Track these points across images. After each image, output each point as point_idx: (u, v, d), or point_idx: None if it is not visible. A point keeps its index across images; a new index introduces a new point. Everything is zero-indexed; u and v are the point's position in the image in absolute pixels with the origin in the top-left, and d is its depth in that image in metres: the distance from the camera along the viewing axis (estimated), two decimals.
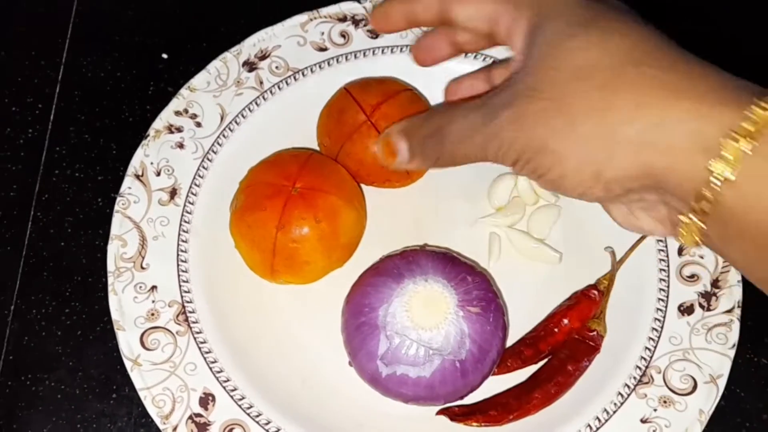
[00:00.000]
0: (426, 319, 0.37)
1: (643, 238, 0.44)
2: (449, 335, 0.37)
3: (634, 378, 0.40)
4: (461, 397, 0.39)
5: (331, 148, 0.44)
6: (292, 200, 0.39)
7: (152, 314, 0.40)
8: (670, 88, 0.25)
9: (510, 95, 0.28)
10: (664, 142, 0.25)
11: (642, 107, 0.25)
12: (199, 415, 0.38)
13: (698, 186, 0.24)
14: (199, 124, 0.45)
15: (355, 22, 0.49)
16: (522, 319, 0.43)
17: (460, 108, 0.30)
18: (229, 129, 0.46)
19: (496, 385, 0.41)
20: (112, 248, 0.41)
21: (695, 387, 0.40)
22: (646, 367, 0.40)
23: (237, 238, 0.40)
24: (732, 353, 0.40)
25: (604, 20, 0.27)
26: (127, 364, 0.38)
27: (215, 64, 0.47)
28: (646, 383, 0.40)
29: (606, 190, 0.27)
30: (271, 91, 0.47)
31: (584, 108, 0.26)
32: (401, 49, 0.49)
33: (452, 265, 0.40)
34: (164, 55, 0.51)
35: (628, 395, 0.40)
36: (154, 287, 0.41)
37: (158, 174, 0.44)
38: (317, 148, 0.46)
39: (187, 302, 0.41)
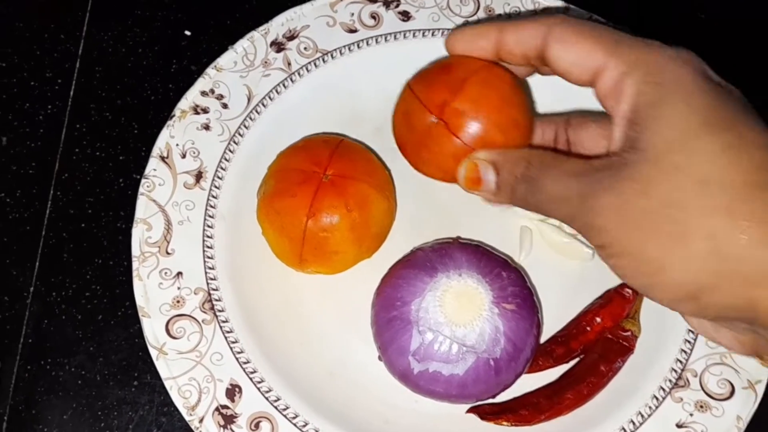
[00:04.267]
0: (460, 315, 0.36)
1: None
2: (484, 332, 0.36)
3: (670, 381, 0.39)
4: (493, 396, 0.38)
5: (409, 155, 0.38)
6: (323, 187, 0.38)
7: (178, 301, 0.39)
8: None
9: (615, 178, 0.26)
10: None
11: (761, 246, 0.24)
12: (225, 407, 0.37)
13: None
14: (225, 105, 0.44)
15: (386, 3, 0.47)
16: (553, 317, 0.42)
17: (559, 165, 0.28)
18: (256, 111, 0.44)
19: (526, 383, 0.40)
20: (137, 232, 0.40)
21: (733, 392, 0.39)
22: (682, 369, 0.39)
23: (265, 224, 0.39)
24: None
25: (736, 123, 0.25)
26: (153, 353, 0.37)
27: (242, 44, 0.45)
28: (682, 386, 0.39)
29: (699, 309, 0.26)
30: (299, 73, 0.46)
31: (700, 227, 0.24)
32: (433, 33, 0.47)
33: (486, 260, 0.39)
34: (187, 32, 0.50)
35: (664, 398, 0.39)
36: (179, 273, 0.40)
37: (184, 156, 0.42)
38: (347, 134, 0.44)
39: (213, 290, 0.40)
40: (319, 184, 0.38)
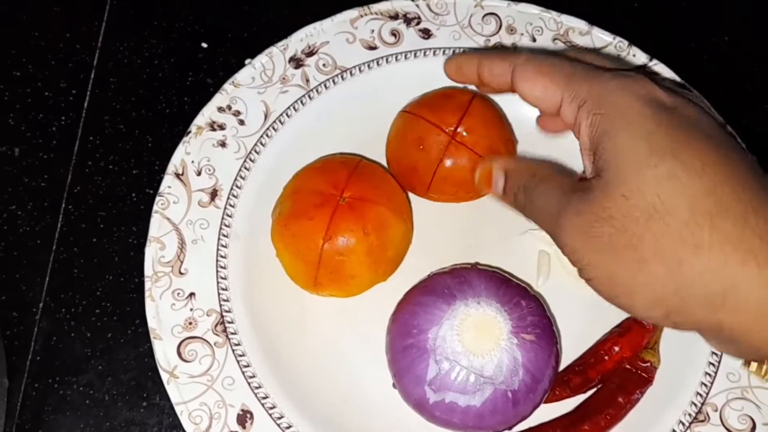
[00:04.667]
0: (478, 345, 0.36)
1: None
2: (502, 363, 0.35)
3: (689, 415, 0.38)
4: (510, 428, 0.37)
5: (422, 178, 0.41)
6: (340, 210, 0.37)
7: (190, 323, 0.38)
8: (743, 249, 0.25)
9: (582, 201, 0.28)
10: (737, 307, 0.25)
11: (715, 271, 0.25)
12: None
13: None
14: (242, 122, 0.43)
15: (407, 21, 0.47)
16: (570, 345, 0.41)
17: (553, 180, 0.31)
18: (273, 128, 0.44)
19: (543, 413, 0.39)
20: (150, 251, 0.39)
21: (754, 428, 0.38)
22: (702, 403, 0.39)
23: (279, 246, 0.39)
24: None
25: (679, 149, 0.27)
26: (164, 377, 0.37)
27: (261, 59, 0.45)
28: (702, 421, 0.38)
29: (675, 326, 0.28)
30: (317, 90, 0.45)
31: (656, 254, 0.26)
32: (453, 51, 0.46)
33: (506, 288, 0.38)
34: (204, 45, 0.49)
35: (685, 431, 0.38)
36: (192, 294, 0.39)
37: (199, 173, 0.42)
38: (365, 153, 0.44)
39: (226, 311, 0.39)
40: (337, 206, 0.37)
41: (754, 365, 0.28)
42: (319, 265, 0.37)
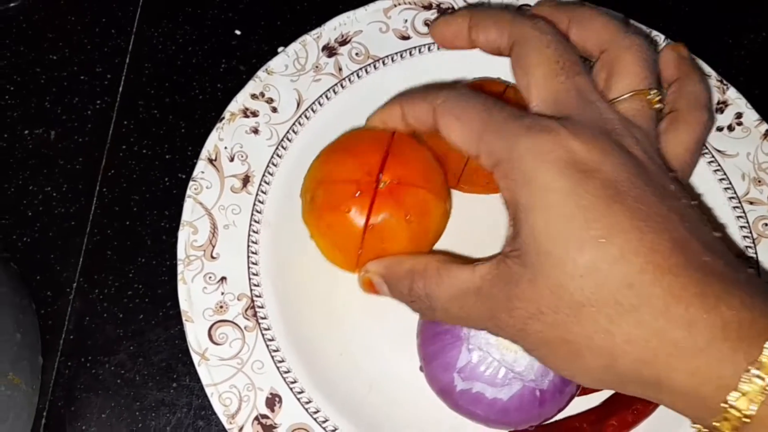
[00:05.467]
0: None
1: None
2: (534, 361, 0.35)
3: None
4: (531, 427, 0.37)
5: (453, 169, 0.40)
6: (379, 198, 0.35)
7: (221, 307, 0.39)
8: (668, 342, 0.25)
9: (507, 296, 0.27)
10: (672, 391, 0.26)
11: (646, 364, 0.25)
12: (265, 416, 0.37)
13: (711, 427, 0.26)
14: (275, 110, 0.43)
15: (441, 11, 0.46)
16: None
17: (445, 280, 0.30)
18: (305, 116, 0.44)
19: (570, 406, 0.39)
20: (183, 235, 0.39)
21: None
22: None
23: (315, 235, 0.38)
24: None
25: (600, 232, 0.26)
26: (195, 358, 0.37)
27: (294, 47, 0.45)
28: None
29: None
30: (349, 79, 0.45)
31: (590, 347, 0.26)
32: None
33: None
34: (237, 32, 0.50)
35: None
36: (223, 278, 0.39)
37: (232, 159, 0.42)
38: None
39: (256, 296, 0.39)
40: (375, 194, 0.35)
41: (696, 427, 0.28)
42: (359, 255, 0.36)
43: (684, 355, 0.25)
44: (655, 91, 0.31)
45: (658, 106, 0.31)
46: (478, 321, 0.29)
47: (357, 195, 0.35)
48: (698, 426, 0.27)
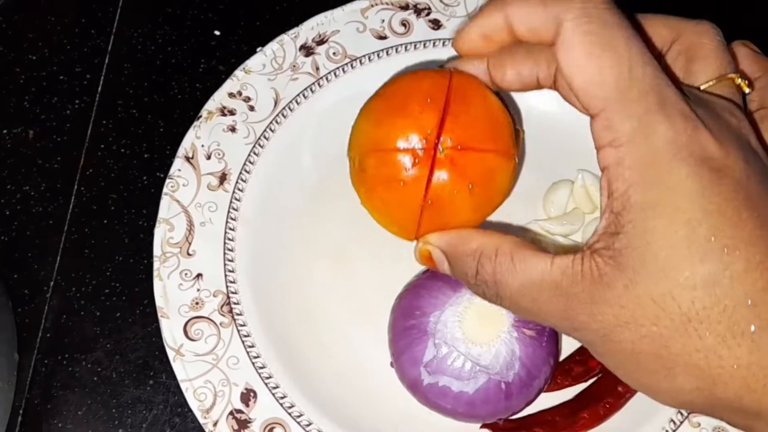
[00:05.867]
0: (478, 334, 0.36)
1: None
2: (499, 354, 0.36)
3: None
4: (499, 420, 0.38)
5: None
6: (438, 167, 0.30)
7: (197, 303, 0.39)
8: None
9: (594, 299, 0.24)
10: None
11: (752, 392, 0.23)
12: (240, 411, 0.37)
13: None
14: (252, 108, 0.44)
15: (417, 11, 0.47)
16: None
17: (521, 267, 0.26)
18: (282, 115, 0.44)
19: (543, 401, 0.39)
20: (159, 232, 0.40)
21: None
22: None
23: (367, 206, 0.33)
24: None
25: (726, 241, 0.23)
26: (170, 354, 0.37)
27: (272, 47, 0.45)
28: None
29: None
30: (327, 78, 0.45)
31: (688, 367, 0.24)
32: None
33: None
34: (216, 32, 0.50)
35: (681, 422, 0.38)
36: (199, 275, 0.40)
37: (209, 157, 0.42)
38: None
39: (232, 293, 0.40)
40: (434, 163, 0.30)
41: None
42: (419, 227, 0.32)
43: None
44: (740, 76, 0.28)
45: (747, 91, 0.28)
46: (550, 318, 0.26)
47: (413, 166, 0.30)
48: None
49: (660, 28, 0.29)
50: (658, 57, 0.28)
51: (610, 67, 0.24)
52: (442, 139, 0.30)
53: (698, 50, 0.28)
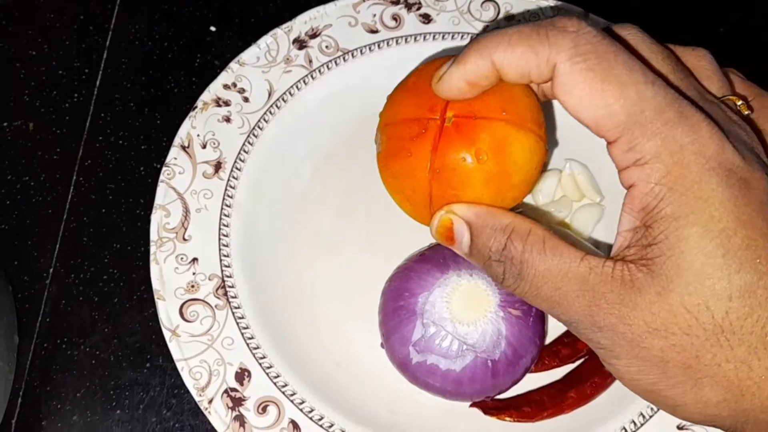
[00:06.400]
0: (465, 314, 0.37)
1: None
2: (486, 333, 0.37)
3: None
4: (488, 398, 0.38)
5: None
6: (445, 137, 0.30)
7: (192, 286, 0.40)
8: None
9: (623, 302, 0.24)
10: None
11: None
12: (234, 389, 0.38)
13: None
14: (246, 99, 0.45)
15: (408, 6, 0.48)
16: None
17: (550, 256, 0.26)
18: (276, 106, 0.45)
19: (531, 382, 0.40)
20: (156, 218, 0.41)
21: None
22: None
23: (387, 187, 0.33)
24: None
25: (759, 251, 0.23)
26: (166, 334, 0.38)
27: (266, 40, 0.46)
28: None
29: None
30: (319, 71, 0.46)
31: (716, 378, 0.23)
32: (452, 36, 0.48)
33: None
34: (212, 28, 0.51)
35: None
36: (195, 259, 0.40)
37: (204, 146, 0.43)
38: (365, 133, 0.45)
39: (227, 276, 0.41)
40: (440, 133, 0.30)
41: None
42: (430, 204, 0.31)
43: None
44: (741, 98, 0.28)
45: (746, 113, 0.28)
46: (571, 311, 0.25)
47: (418, 135, 0.30)
48: None
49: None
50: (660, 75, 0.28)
51: (616, 98, 0.24)
52: (448, 109, 0.30)
53: (701, 71, 0.28)
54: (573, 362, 0.41)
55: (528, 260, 0.26)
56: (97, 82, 0.49)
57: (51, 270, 0.44)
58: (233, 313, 0.40)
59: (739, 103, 0.28)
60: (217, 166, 0.43)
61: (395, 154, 0.31)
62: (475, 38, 0.28)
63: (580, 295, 0.25)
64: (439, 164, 0.30)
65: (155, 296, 0.39)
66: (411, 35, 0.48)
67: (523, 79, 0.27)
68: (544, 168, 0.37)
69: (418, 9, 0.48)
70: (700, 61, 0.28)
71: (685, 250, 0.23)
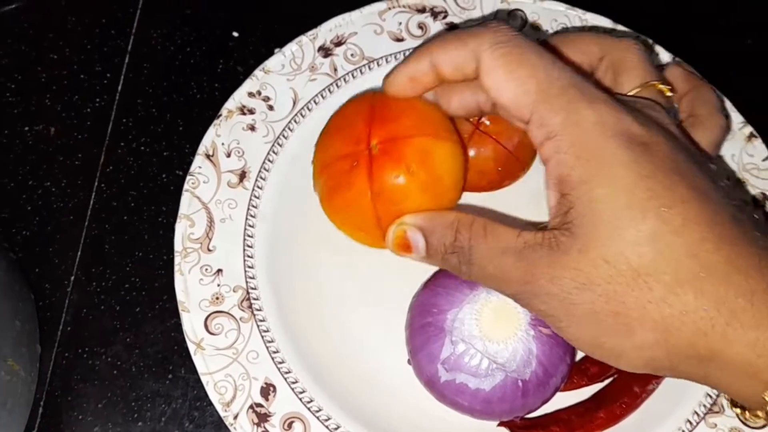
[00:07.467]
0: (495, 332, 0.36)
1: None
2: (516, 352, 0.36)
3: (704, 406, 0.39)
4: (517, 418, 0.38)
5: None
6: (375, 162, 0.33)
7: (217, 298, 0.39)
8: (726, 311, 0.25)
9: (552, 264, 0.27)
10: (722, 365, 0.26)
11: (701, 335, 0.25)
12: (259, 405, 0.37)
13: (761, 405, 0.26)
14: (271, 108, 0.44)
15: (434, 14, 0.48)
16: None
17: (490, 238, 0.29)
18: (301, 114, 0.45)
19: (559, 400, 0.39)
20: (180, 227, 0.40)
21: None
22: (717, 395, 0.39)
23: (336, 224, 0.36)
24: None
25: (661, 202, 0.26)
26: (191, 347, 0.38)
27: (291, 47, 0.46)
28: (717, 412, 0.39)
29: (663, 375, 0.29)
30: (344, 79, 0.46)
31: (643, 320, 0.26)
32: None
33: None
34: (235, 33, 0.51)
35: (697, 423, 0.38)
36: (219, 270, 0.40)
37: (228, 155, 0.43)
38: None
39: (252, 288, 0.40)
40: (370, 160, 0.33)
41: (737, 410, 0.28)
42: (379, 225, 0.34)
43: (743, 326, 0.25)
44: (663, 82, 0.32)
45: (669, 95, 0.32)
46: (512, 283, 0.28)
47: (352, 168, 0.33)
48: (738, 410, 0.28)
49: (590, 45, 0.33)
50: (587, 74, 0.33)
51: (528, 77, 0.28)
52: (372, 139, 0.33)
53: (623, 64, 0.32)
54: (601, 381, 0.41)
55: (473, 246, 0.29)
56: (119, 87, 0.49)
57: (72, 278, 0.43)
58: (258, 326, 0.39)
59: (660, 87, 0.31)
60: (242, 176, 0.43)
61: (336, 190, 0.34)
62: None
63: (517, 267, 0.28)
64: (377, 187, 0.33)
65: (180, 308, 0.38)
66: None
67: (456, 72, 0.30)
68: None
69: (444, 17, 0.48)
70: (625, 54, 0.32)
71: (597, 208, 0.26)
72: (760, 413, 0.26)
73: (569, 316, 0.27)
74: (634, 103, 0.29)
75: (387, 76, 0.34)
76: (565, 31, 0.47)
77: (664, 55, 0.46)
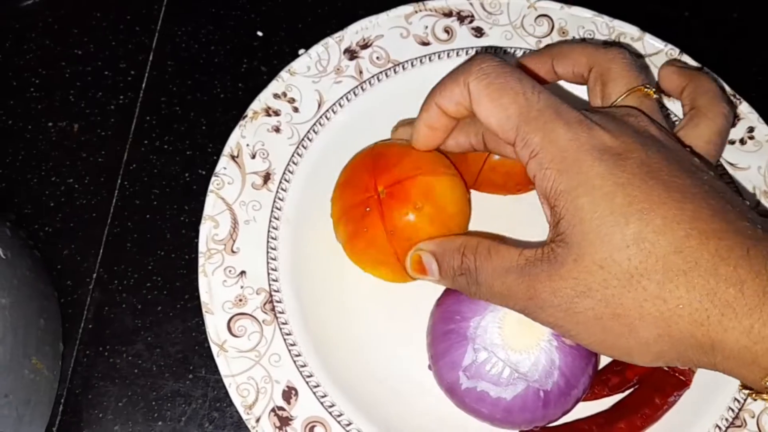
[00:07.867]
0: (517, 341, 0.36)
1: None
2: (538, 362, 0.36)
3: (726, 420, 0.39)
4: (537, 427, 0.38)
5: (471, 168, 0.41)
6: (385, 205, 0.37)
7: (240, 300, 0.39)
8: (719, 302, 0.26)
9: (551, 276, 0.28)
10: (726, 354, 0.27)
11: (700, 326, 0.26)
12: (281, 408, 0.37)
13: (762, 387, 0.27)
14: (296, 109, 0.44)
15: (461, 19, 0.47)
16: None
17: (493, 258, 0.31)
18: (326, 117, 0.45)
19: (580, 410, 0.39)
20: (205, 229, 0.40)
21: None
22: (740, 409, 0.39)
23: (361, 266, 0.40)
24: None
25: (642, 206, 0.27)
26: (214, 349, 0.38)
27: (317, 49, 0.46)
28: (739, 426, 0.39)
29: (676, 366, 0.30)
30: (370, 82, 0.46)
31: (643, 319, 0.27)
32: (504, 51, 0.47)
33: None
34: (259, 33, 0.51)
35: None
36: (243, 272, 0.40)
37: (253, 156, 0.43)
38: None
39: (275, 291, 0.40)
40: (380, 204, 0.37)
41: (746, 392, 0.29)
42: (398, 260, 0.38)
43: (737, 314, 0.26)
44: (649, 85, 0.33)
45: (655, 96, 0.33)
46: (518, 299, 0.30)
47: (366, 214, 0.37)
48: (748, 391, 0.29)
49: (580, 57, 0.35)
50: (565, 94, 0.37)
51: (510, 103, 0.30)
52: (378, 185, 0.37)
53: (609, 74, 0.34)
54: (622, 392, 0.40)
55: (479, 267, 0.31)
56: (143, 85, 0.49)
57: (94, 275, 0.43)
58: (280, 329, 0.39)
59: (645, 90, 0.33)
60: (266, 177, 0.43)
61: (355, 235, 0.38)
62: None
63: (521, 283, 0.29)
64: (390, 226, 0.37)
65: (203, 309, 0.38)
66: (463, 48, 0.47)
67: (459, 108, 0.33)
68: None
69: (471, 22, 0.47)
70: (610, 64, 0.34)
71: (583, 217, 0.27)
72: (765, 396, 0.27)
73: (576, 325, 0.28)
74: (613, 113, 0.31)
75: (413, 134, 0.37)
76: (566, 42, 0.47)
77: (692, 65, 0.45)
